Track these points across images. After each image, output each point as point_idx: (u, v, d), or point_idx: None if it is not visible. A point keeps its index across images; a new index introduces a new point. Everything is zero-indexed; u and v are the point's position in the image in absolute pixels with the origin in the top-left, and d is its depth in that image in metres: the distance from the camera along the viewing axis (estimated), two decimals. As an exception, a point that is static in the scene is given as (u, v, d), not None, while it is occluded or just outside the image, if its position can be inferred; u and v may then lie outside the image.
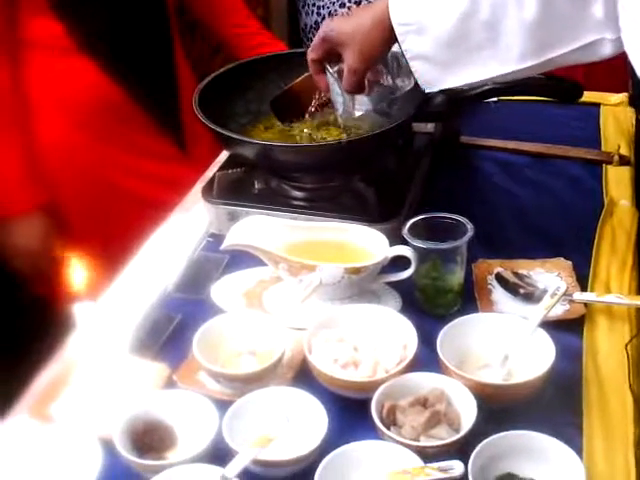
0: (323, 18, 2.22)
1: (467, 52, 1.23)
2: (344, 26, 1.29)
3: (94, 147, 1.85)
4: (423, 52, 1.24)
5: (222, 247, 1.32)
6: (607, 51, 1.20)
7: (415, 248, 1.27)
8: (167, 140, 1.93)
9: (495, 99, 1.76)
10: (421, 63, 1.26)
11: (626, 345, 1.22)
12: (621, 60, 1.76)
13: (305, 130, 1.50)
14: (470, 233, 1.28)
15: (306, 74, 1.45)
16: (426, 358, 1.18)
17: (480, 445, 1.02)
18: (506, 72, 1.24)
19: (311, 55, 1.35)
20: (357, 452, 1.04)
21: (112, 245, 1.73)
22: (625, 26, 1.14)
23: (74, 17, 1.76)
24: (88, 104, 1.81)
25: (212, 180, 1.50)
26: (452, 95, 1.46)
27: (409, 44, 1.24)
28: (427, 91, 1.29)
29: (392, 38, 1.25)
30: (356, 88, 1.33)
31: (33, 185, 1.82)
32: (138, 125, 1.88)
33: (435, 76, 1.27)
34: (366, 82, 1.33)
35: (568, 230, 1.48)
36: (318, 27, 2.24)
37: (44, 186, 1.83)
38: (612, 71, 2.01)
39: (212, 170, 1.59)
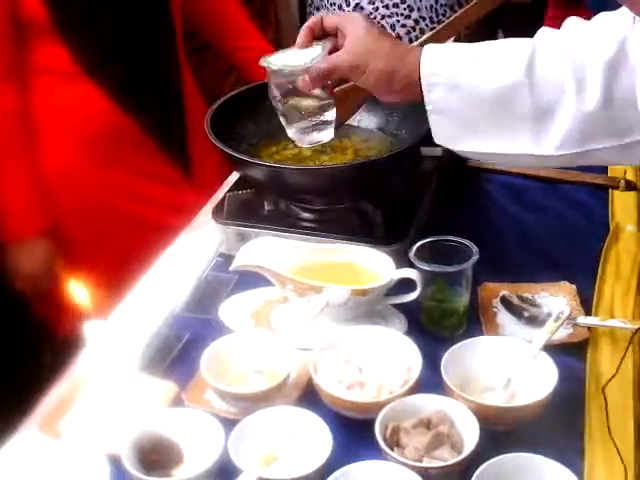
0: (335, 40, 2.24)
1: (501, 120, 1.18)
2: (360, 58, 1.23)
3: (99, 172, 1.87)
4: (449, 108, 1.19)
5: (231, 267, 1.34)
6: None
7: (421, 271, 1.29)
8: (172, 165, 1.95)
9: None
10: (443, 119, 1.21)
11: (603, 388, 1.19)
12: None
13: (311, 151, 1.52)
14: (475, 256, 1.29)
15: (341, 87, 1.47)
16: (430, 380, 1.19)
17: (482, 467, 1.03)
18: (539, 154, 1.19)
19: (314, 83, 1.29)
20: (360, 472, 1.05)
21: (116, 268, 1.75)
22: None
23: (81, 42, 1.78)
24: (94, 129, 1.84)
25: (222, 201, 1.52)
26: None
27: (435, 96, 1.19)
28: (441, 145, 1.26)
29: (413, 87, 1.20)
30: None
31: (39, 210, 1.85)
32: (143, 150, 1.90)
33: (455, 135, 1.22)
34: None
35: (573, 254, 1.50)
36: (331, 50, 2.27)
37: (49, 210, 1.85)
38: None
39: (222, 191, 1.61)
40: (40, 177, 1.83)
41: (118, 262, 1.86)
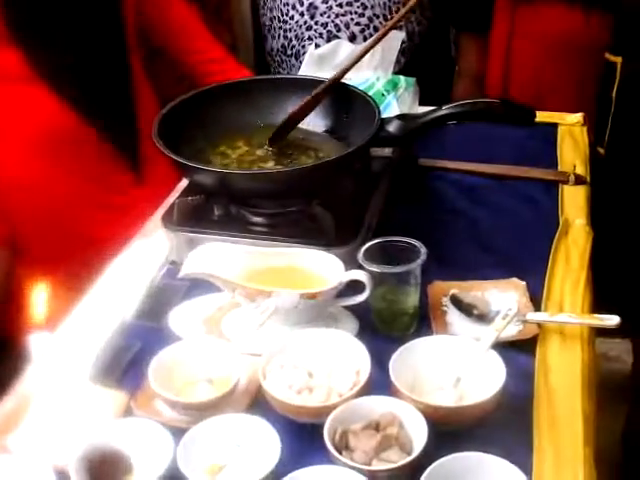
0: (290, 41, 2.24)
1: None
2: None
3: (53, 179, 1.86)
4: None
5: (179, 276, 1.33)
6: None
7: (369, 272, 1.29)
8: (125, 170, 1.94)
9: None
10: None
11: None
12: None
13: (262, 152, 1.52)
14: (423, 256, 1.29)
15: (299, 105, 1.49)
16: (381, 381, 1.19)
17: (430, 468, 1.03)
18: None
19: None
20: (309, 477, 1.05)
21: (72, 275, 1.73)
22: None
23: (33, 46, 1.76)
24: (46, 135, 1.82)
25: (172, 207, 1.51)
26: (407, 121, 1.49)
27: None
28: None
29: None
30: None
31: None
32: (96, 156, 1.88)
33: None
34: None
35: (524, 250, 1.50)
36: (285, 51, 2.27)
37: (3, 220, 1.83)
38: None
39: (172, 197, 1.61)
40: None
41: (74, 271, 1.84)
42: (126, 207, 1.91)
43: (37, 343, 1.19)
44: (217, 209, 1.50)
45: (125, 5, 1.91)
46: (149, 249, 1.54)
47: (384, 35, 1.54)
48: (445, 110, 1.46)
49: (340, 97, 1.58)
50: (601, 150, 1.81)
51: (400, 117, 1.50)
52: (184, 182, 1.63)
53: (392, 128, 1.48)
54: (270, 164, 1.51)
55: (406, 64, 2.21)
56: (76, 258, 1.89)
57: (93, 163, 1.89)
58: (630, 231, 1.70)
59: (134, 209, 1.77)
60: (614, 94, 1.66)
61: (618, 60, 1.64)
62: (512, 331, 1.29)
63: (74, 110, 1.82)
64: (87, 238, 1.90)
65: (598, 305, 1.46)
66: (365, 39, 2.13)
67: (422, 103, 1.89)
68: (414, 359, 1.20)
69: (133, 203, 1.90)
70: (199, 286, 1.41)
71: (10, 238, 1.86)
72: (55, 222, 1.90)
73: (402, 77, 1.85)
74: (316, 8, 2.17)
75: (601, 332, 1.42)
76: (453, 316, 1.34)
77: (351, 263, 1.34)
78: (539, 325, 1.31)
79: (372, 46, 1.56)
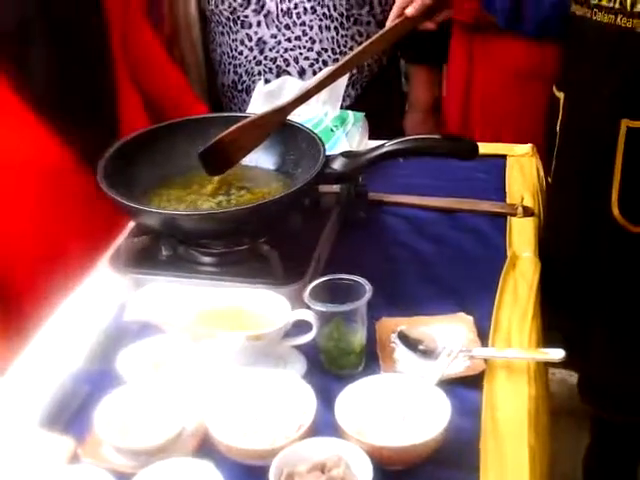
0: (240, 77, 2.25)
1: None
2: None
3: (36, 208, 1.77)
4: None
5: (124, 319, 1.33)
6: None
7: (315, 311, 1.29)
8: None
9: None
10: None
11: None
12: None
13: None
14: (368, 294, 1.30)
15: (234, 126, 1.49)
16: (329, 421, 1.18)
17: (373, 509, 1.03)
18: None
19: None
20: (254, 522, 1.04)
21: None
22: None
23: (19, 71, 1.69)
24: (27, 162, 1.74)
25: (119, 248, 1.51)
26: (352, 158, 1.50)
27: None
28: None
29: None
30: None
31: None
32: (77, 181, 1.77)
33: None
34: None
35: (472, 284, 1.51)
36: (235, 86, 2.27)
37: None
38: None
39: (122, 238, 1.60)
40: None
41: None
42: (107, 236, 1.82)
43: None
44: (164, 249, 1.50)
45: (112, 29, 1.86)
46: (100, 291, 1.53)
47: (339, 75, 1.56)
48: (388, 147, 1.47)
49: (286, 134, 1.58)
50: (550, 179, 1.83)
51: (345, 154, 1.51)
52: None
53: (337, 165, 1.49)
54: (214, 203, 1.51)
55: (357, 97, 2.23)
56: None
57: (77, 192, 1.77)
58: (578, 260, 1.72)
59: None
60: (557, 128, 1.68)
61: (561, 96, 1.67)
62: (459, 367, 1.30)
63: (57, 135, 1.73)
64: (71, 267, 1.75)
65: (546, 337, 1.48)
66: (314, 73, 2.14)
67: (374, 137, 1.90)
68: (360, 399, 1.20)
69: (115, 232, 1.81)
70: (150, 327, 1.40)
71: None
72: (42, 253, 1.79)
73: (350, 112, 1.87)
74: (265, 43, 2.18)
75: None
76: (401, 353, 1.34)
77: (299, 301, 1.34)
78: (485, 361, 1.32)
79: (323, 86, 1.57)
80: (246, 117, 1.57)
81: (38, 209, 1.76)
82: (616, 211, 1.59)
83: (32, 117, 1.72)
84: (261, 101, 1.84)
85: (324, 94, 1.77)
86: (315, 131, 1.59)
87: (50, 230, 1.77)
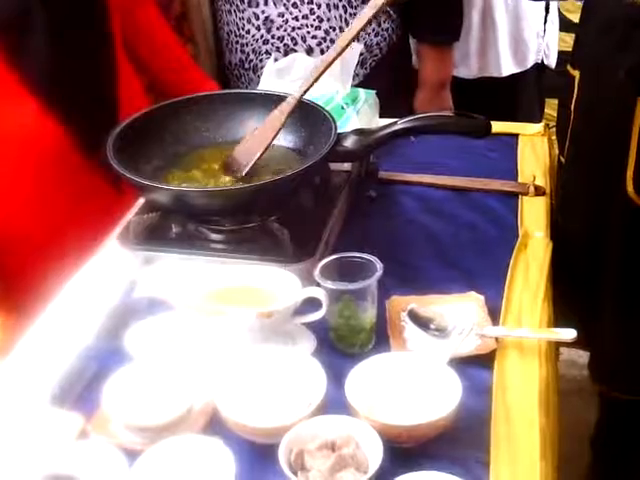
0: (247, 55, 2.23)
1: None
2: None
3: (38, 192, 1.77)
4: None
5: (134, 296, 1.32)
6: None
7: (326, 289, 1.29)
8: (103, 176, 1.80)
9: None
10: None
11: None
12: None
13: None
14: (379, 272, 1.29)
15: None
16: (339, 400, 1.18)
17: (384, 488, 1.03)
18: None
19: None
20: (264, 499, 1.04)
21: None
22: None
23: (20, 58, 1.69)
24: (26, 144, 1.73)
25: (128, 225, 1.50)
26: (363, 135, 1.48)
27: None
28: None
29: None
30: None
31: None
32: (76, 164, 1.78)
33: None
34: None
35: (483, 263, 1.50)
36: (243, 65, 2.26)
37: None
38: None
39: (132, 213, 1.59)
40: None
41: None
42: (108, 217, 1.82)
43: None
44: (174, 226, 1.49)
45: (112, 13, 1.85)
46: (109, 267, 1.52)
47: (347, 46, 1.53)
48: (400, 125, 1.46)
49: (298, 112, 1.57)
50: (562, 159, 1.82)
51: (356, 132, 1.50)
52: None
53: (348, 143, 1.48)
54: (227, 180, 1.50)
55: (366, 77, 2.21)
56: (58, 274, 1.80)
57: (74, 173, 1.79)
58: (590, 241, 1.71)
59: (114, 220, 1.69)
60: (572, 107, 1.67)
61: (576, 74, 1.66)
62: (470, 346, 1.29)
63: (58, 118, 1.73)
64: (71, 251, 1.79)
65: (557, 316, 1.47)
66: (322, 52, 2.12)
67: (383, 115, 1.88)
68: (370, 377, 1.20)
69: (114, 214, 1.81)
70: (159, 304, 1.39)
71: None
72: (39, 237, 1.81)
73: (361, 90, 1.85)
74: (272, 22, 2.16)
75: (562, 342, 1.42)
76: (411, 331, 1.34)
77: (309, 279, 1.33)
78: (497, 340, 1.31)
79: (334, 59, 1.54)
80: (256, 94, 1.55)
81: (37, 190, 1.76)
82: (630, 189, 1.58)
83: (32, 99, 1.72)
84: (271, 78, 1.82)
85: (335, 72, 1.75)
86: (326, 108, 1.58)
87: (49, 210, 1.78)
